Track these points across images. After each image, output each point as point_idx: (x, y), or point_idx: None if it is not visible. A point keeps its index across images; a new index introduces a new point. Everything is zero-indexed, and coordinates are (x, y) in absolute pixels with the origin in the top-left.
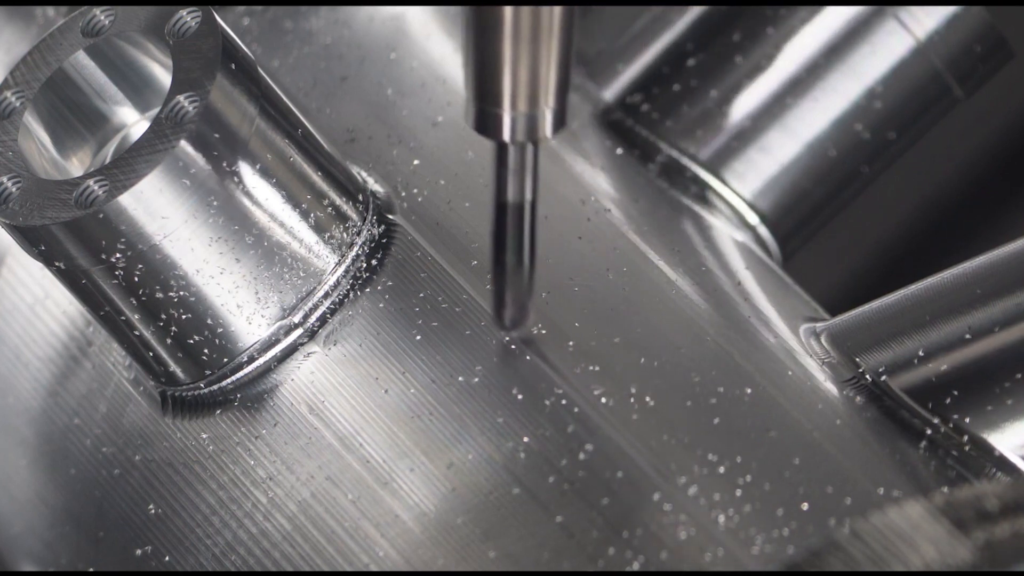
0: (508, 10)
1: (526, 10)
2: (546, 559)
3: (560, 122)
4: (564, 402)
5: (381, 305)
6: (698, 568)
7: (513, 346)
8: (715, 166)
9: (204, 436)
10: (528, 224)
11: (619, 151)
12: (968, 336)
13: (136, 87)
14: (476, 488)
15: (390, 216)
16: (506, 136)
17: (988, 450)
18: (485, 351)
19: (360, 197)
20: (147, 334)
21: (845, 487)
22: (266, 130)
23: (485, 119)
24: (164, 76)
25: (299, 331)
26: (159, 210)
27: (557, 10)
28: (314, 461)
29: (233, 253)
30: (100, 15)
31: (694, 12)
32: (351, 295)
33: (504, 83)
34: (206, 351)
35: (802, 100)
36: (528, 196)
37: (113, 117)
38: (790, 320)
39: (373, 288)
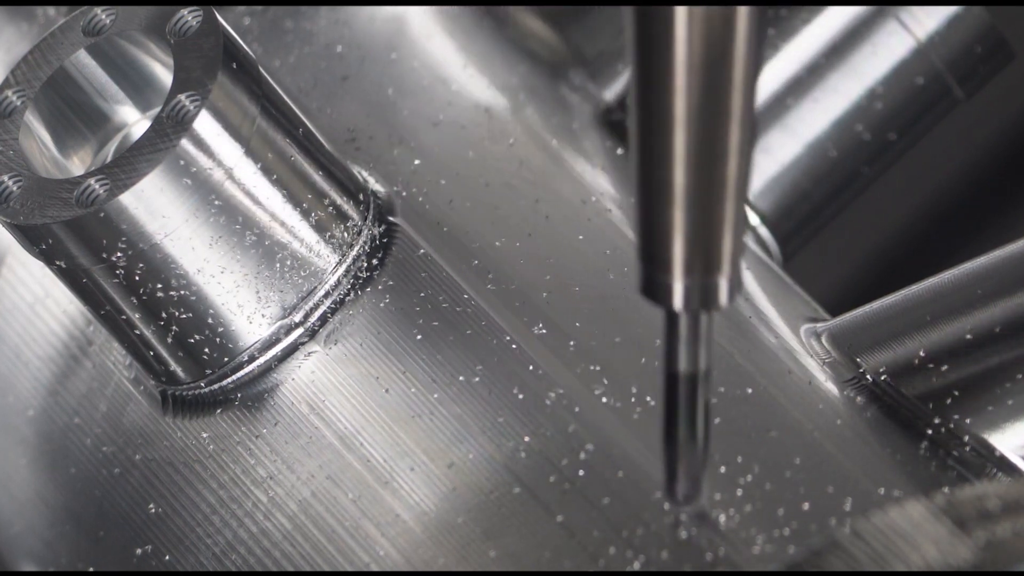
0: (680, 173)
1: (697, 174)
2: (547, 558)
3: (737, 287)
4: (565, 402)
5: (382, 305)
6: (699, 568)
7: (514, 346)
8: None
9: (204, 435)
10: (702, 396)
11: (620, 151)
12: (969, 336)
13: (137, 86)
14: (477, 487)
15: (391, 216)
16: (678, 305)
17: (989, 450)
18: (486, 351)
19: (361, 197)
20: (148, 333)
21: (846, 487)
22: (267, 129)
23: (654, 286)
24: (165, 75)
25: (300, 330)
26: (160, 209)
27: (732, 167)
28: (315, 460)
29: (234, 252)
30: (101, 14)
31: None
32: (352, 294)
33: (676, 250)
34: (207, 350)
35: (803, 100)
36: (702, 366)
37: (114, 116)
38: (791, 320)
39: (374, 288)
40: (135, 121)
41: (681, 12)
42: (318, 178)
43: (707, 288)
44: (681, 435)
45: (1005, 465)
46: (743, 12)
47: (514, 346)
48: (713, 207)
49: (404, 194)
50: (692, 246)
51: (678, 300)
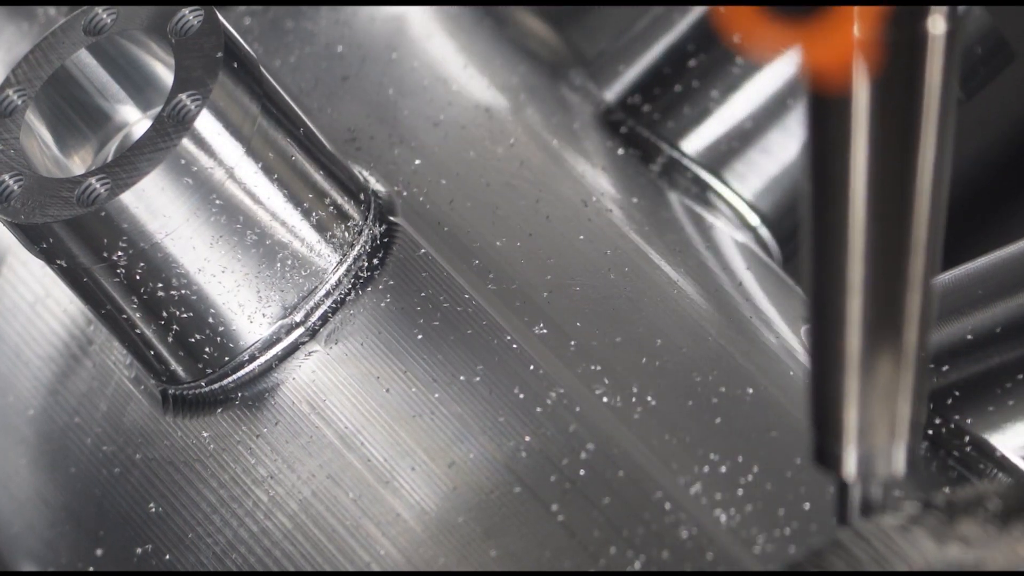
0: (856, 342)
1: (883, 343)
2: (547, 558)
3: (912, 455)
4: (565, 401)
5: (382, 304)
6: (699, 568)
7: (515, 345)
8: (716, 167)
9: (205, 435)
10: None
11: (620, 151)
12: (969, 337)
13: (138, 85)
14: (477, 487)
15: (391, 215)
16: (850, 474)
17: (989, 451)
18: (486, 350)
19: (361, 196)
20: (148, 332)
21: None
22: (268, 129)
23: (825, 453)
24: (166, 74)
25: (300, 330)
26: (161, 208)
27: (913, 337)
28: (315, 460)
29: (234, 252)
30: (102, 13)
31: (695, 12)
32: (352, 294)
33: (848, 417)
34: (207, 350)
35: (803, 100)
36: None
37: (115, 115)
38: (791, 320)
39: (374, 287)
40: (136, 120)
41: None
42: (319, 178)
43: (879, 456)
44: None
45: (1005, 465)
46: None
47: (515, 346)
48: (896, 376)
49: (405, 194)
50: (867, 415)
51: (850, 468)
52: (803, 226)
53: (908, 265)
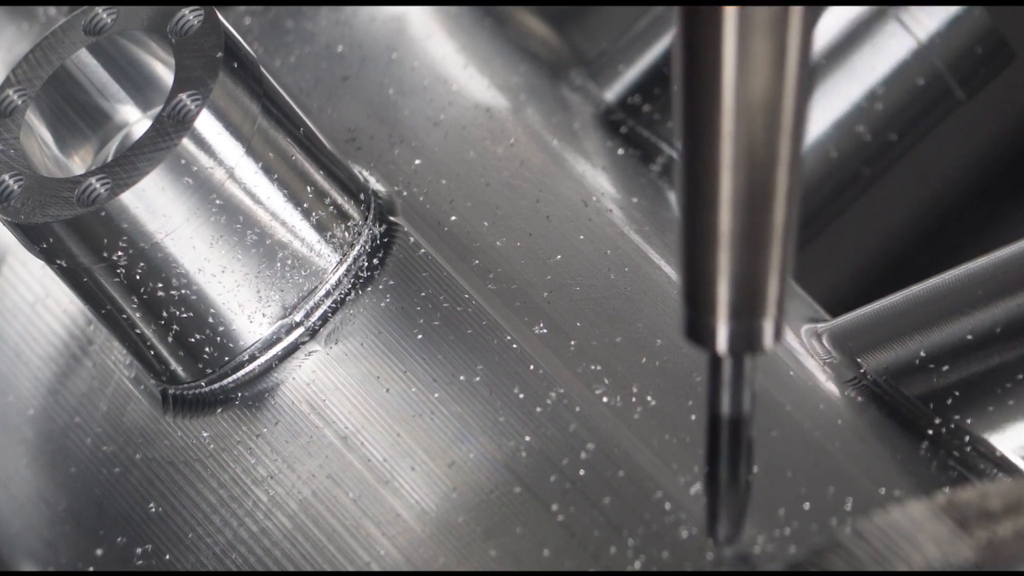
0: (726, 214)
1: (746, 217)
2: (547, 558)
3: (779, 332)
4: (566, 401)
5: (382, 304)
6: (699, 568)
7: (515, 345)
8: None
9: (205, 435)
10: (744, 438)
11: (620, 151)
12: (970, 337)
13: (138, 85)
14: (477, 487)
15: (391, 215)
16: (722, 348)
17: (990, 451)
18: (486, 350)
19: (362, 196)
20: (148, 332)
21: (847, 487)
22: (268, 129)
23: (697, 328)
24: (166, 74)
25: (300, 330)
26: (161, 208)
27: (779, 214)
28: (315, 460)
29: (235, 251)
30: (102, 13)
31: None
32: (352, 294)
33: (721, 293)
34: (207, 349)
35: None
36: (746, 409)
37: (115, 115)
38: (792, 321)
39: (374, 287)
40: (136, 120)
41: (730, 53)
42: (319, 177)
43: (752, 331)
44: (723, 477)
45: (1006, 465)
46: (794, 47)
47: (515, 346)
48: (760, 251)
49: (405, 194)
50: (737, 289)
51: (722, 344)
52: (675, 103)
53: (778, 143)
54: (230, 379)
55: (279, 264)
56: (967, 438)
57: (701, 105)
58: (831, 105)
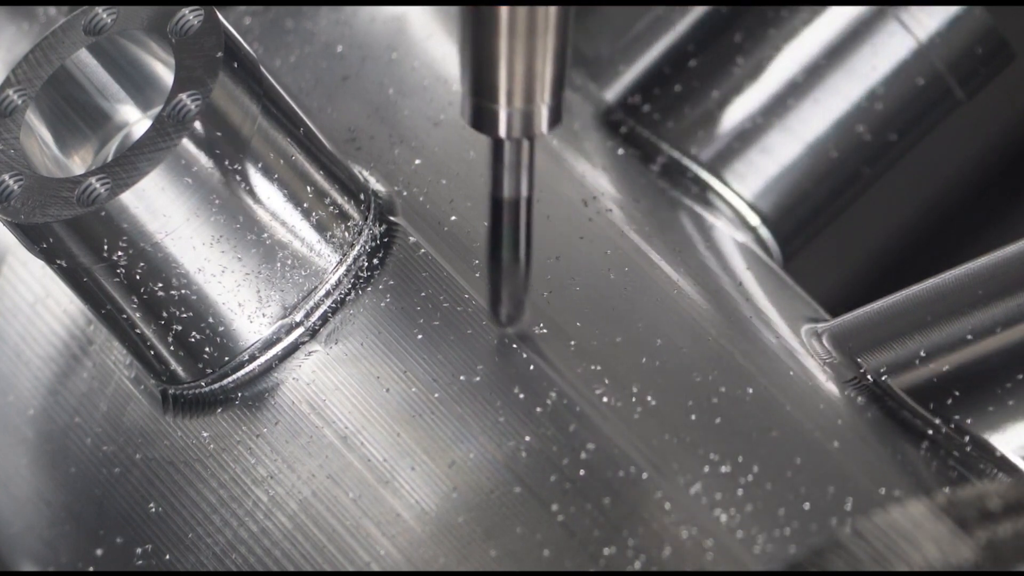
0: (504, 8)
1: (522, 8)
2: (547, 558)
3: (556, 118)
4: (566, 401)
5: (382, 304)
6: (699, 567)
7: (515, 345)
8: (716, 167)
9: (205, 434)
10: (524, 220)
11: (621, 152)
12: (970, 337)
13: (138, 85)
14: (477, 487)
15: (391, 215)
16: (502, 132)
17: (989, 451)
18: (487, 350)
19: (362, 196)
20: (148, 332)
21: (847, 487)
22: (268, 129)
23: (481, 115)
24: (166, 74)
25: (300, 330)
26: (161, 208)
27: (553, 8)
28: (315, 460)
29: (235, 252)
30: (102, 13)
31: (695, 13)
32: (352, 294)
33: (500, 79)
34: (207, 349)
35: (803, 101)
36: (524, 192)
37: (115, 115)
38: (791, 321)
39: (374, 287)
40: (136, 120)
41: None
42: (319, 177)
43: (528, 116)
44: (505, 258)
45: (1005, 465)
46: None
47: (515, 346)
48: (534, 38)
49: (405, 194)
50: (516, 77)
51: (502, 127)
52: None
53: None
54: (230, 379)
55: (279, 264)
56: (967, 438)
57: None
58: (831, 105)
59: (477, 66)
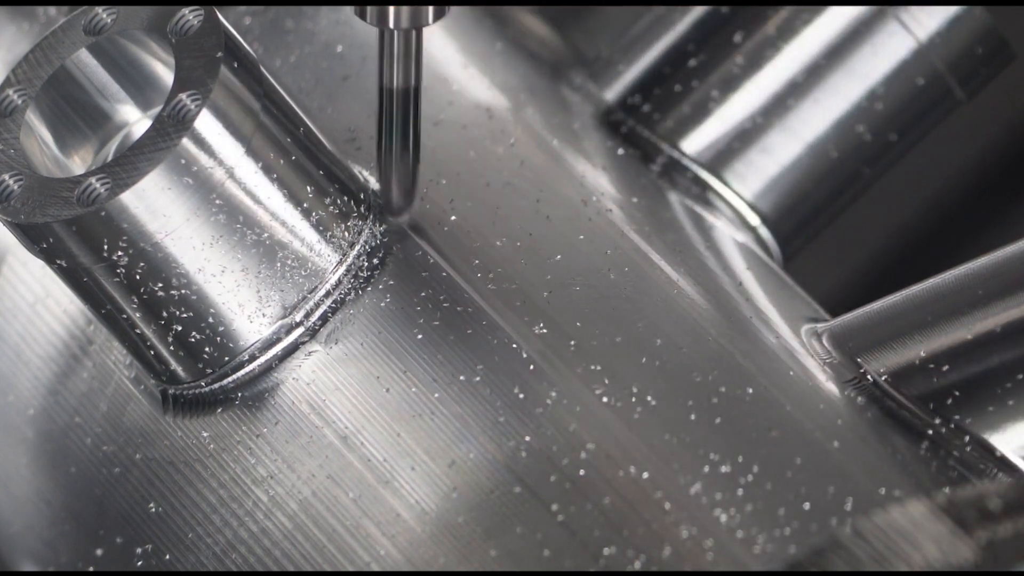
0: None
1: None
2: (547, 558)
3: (440, 10)
4: (566, 401)
5: (382, 304)
6: (699, 567)
7: (515, 345)
8: (716, 167)
9: (205, 434)
10: (412, 109)
11: (621, 151)
12: (970, 337)
13: (138, 85)
14: (477, 487)
15: (391, 215)
16: (391, 23)
17: (990, 451)
18: (486, 350)
19: (362, 196)
20: (148, 332)
21: (847, 487)
22: (268, 129)
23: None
24: (166, 74)
25: (300, 330)
26: (161, 208)
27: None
28: (315, 460)
29: (235, 251)
30: (102, 13)
31: (695, 13)
32: (352, 294)
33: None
34: (207, 349)
35: (803, 101)
36: (412, 83)
37: (115, 115)
38: (791, 321)
39: (374, 287)
40: (136, 120)
41: None
42: (319, 177)
43: (415, 8)
44: (395, 147)
45: (1006, 465)
46: None
47: (515, 345)
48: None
49: None
50: None
51: (391, 19)
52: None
53: None
54: (230, 379)
55: (279, 264)
56: (967, 438)
57: None
58: (831, 105)
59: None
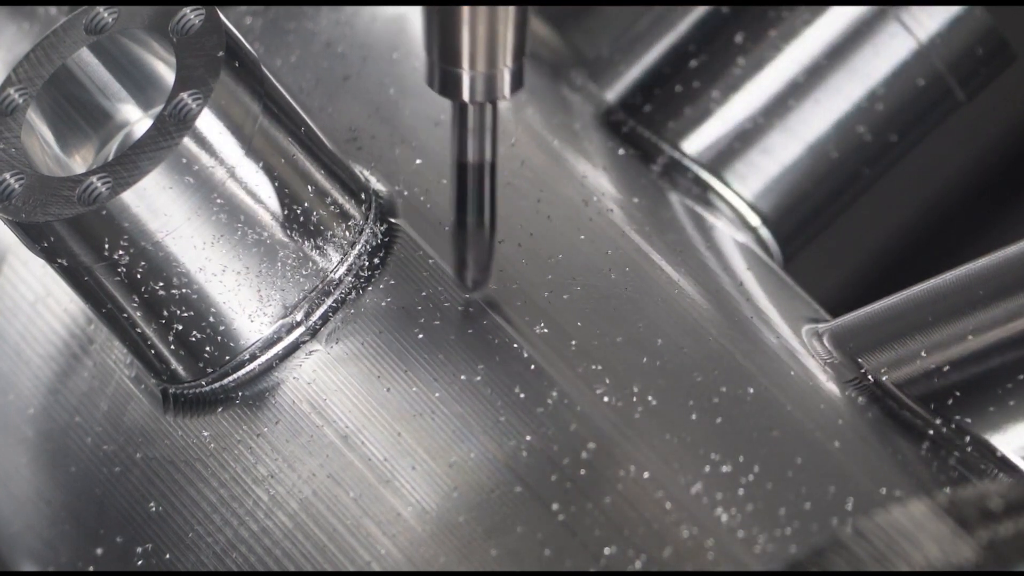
0: None
1: None
2: (548, 557)
3: (518, 82)
4: (566, 401)
5: (383, 304)
6: (700, 567)
7: (515, 345)
8: (717, 167)
9: (205, 434)
10: (489, 185)
11: (621, 152)
12: (970, 337)
13: (139, 84)
14: (478, 486)
15: (392, 215)
16: (466, 96)
17: (990, 451)
18: (487, 350)
19: (362, 196)
20: (149, 332)
21: (848, 486)
22: (269, 128)
23: (445, 80)
24: (167, 74)
25: (301, 329)
26: (162, 207)
27: None
28: (316, 459)
29: (235, 251)
30: (103, 12)
31: (696, 13)
32: (353, 293)
33: (463, 44)
34: (208, 349)
35: (804, 102)
36: (488, 157)
37: (116, 114)
38: (792, 321)
39: (375, 287)
40: (137, 119)
41: None
42: (320, 177)
43: (491, 80)
44: (470, 223)
45: (1006, 466)
46: None
47: (516, 345)
48: (497, 5)
49: (406, 193)
50: (476, 39)
51: (466, 91)
52: None
53: None
54: (231, 378)
55: (280, 263)
56: (968, 438)
57: None
58: (831, 105)
59: (441, 31)
